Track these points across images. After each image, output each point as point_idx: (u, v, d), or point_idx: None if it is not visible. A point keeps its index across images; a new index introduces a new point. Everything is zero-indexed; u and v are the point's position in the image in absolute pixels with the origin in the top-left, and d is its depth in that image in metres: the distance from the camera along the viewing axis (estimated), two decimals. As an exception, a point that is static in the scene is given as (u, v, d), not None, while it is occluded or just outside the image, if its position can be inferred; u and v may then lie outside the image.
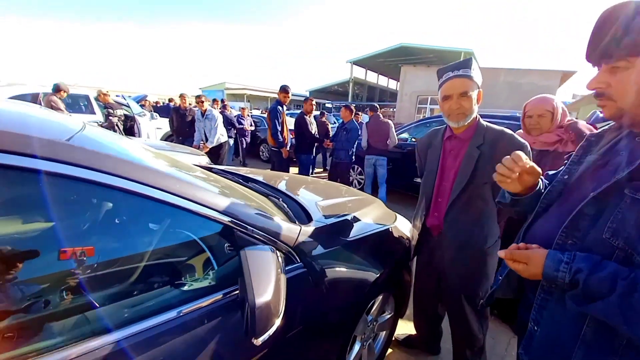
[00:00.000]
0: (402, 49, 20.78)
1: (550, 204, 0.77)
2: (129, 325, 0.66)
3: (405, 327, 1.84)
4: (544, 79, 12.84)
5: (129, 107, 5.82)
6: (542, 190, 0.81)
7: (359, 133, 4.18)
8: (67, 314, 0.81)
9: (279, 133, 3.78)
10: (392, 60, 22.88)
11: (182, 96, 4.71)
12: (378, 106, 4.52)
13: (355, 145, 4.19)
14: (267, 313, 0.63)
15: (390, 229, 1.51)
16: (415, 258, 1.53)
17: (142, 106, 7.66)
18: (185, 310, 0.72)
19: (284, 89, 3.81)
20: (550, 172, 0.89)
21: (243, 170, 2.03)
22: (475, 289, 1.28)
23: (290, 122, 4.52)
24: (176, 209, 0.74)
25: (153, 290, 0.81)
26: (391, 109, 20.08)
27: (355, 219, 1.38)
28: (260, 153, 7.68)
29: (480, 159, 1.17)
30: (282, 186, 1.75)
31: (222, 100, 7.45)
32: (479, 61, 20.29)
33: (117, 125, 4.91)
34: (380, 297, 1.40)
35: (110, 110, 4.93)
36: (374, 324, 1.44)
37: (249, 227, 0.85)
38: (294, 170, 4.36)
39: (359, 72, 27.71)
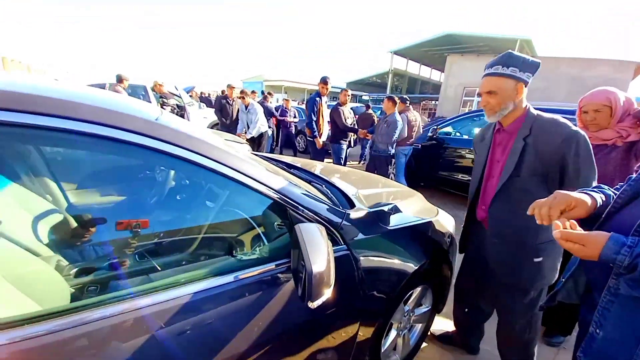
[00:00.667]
0: (448, 37, 19.48)
1: (624, 204, 0.72)
2: (198, 282, 0.77)
3: (444, 325, 1.80)
4: (615, 71, 11.20)
5: (180, 97, 6.29)
6: (601, 206, 0.75)
7: (400, 126, 4.05)
8: (150, 270, 0.95)
9: (313, 123, 3.86)
10: (437, 50, 21.59)
11: (229, 87, 4.98)
12: (408, 98, 4.43)
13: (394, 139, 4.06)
14: (321, 281, 0.68)
15: (431, 222, 1.48)
16: (459, 252, 1.49)
17: (190, 96, 8.22)
18: (243, 276, 0.80)
19: (324, 80, 3.85)
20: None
21: (285, 158, 2.12)
22: (525, 286, 1.22)
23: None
24: (241, 186, 0.81)
25: (215, 258, 0.92)
26: (433, 102, 19.08)
27: (397, 209, 1.38)
28: (297, 144, 7.85)
29: (526, 151, 1.13)
30: (322, 174, 1.79)
31: (262, 92, 7.63)
32: (540, 51, 18.31)
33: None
34: (418, 289, 1.40)
35: (165, 100, 5.38)
36: (411, 314, 1.44)
37: (299, 206, 0.90)
38: (329, 161, 4.41)
39: (400, 63, 26.60)
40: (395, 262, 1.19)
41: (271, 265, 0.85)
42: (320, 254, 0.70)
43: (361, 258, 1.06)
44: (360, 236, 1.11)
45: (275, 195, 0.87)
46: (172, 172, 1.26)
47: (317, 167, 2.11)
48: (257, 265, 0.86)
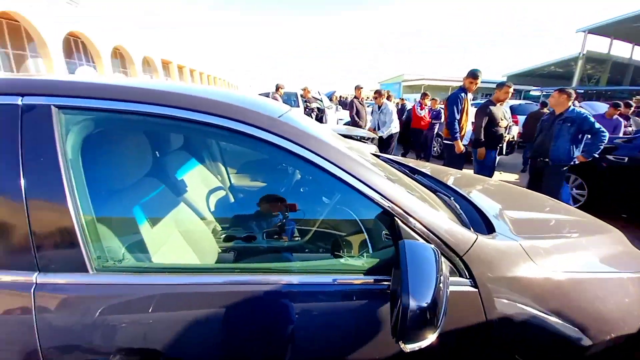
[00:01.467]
0: None
1: None
2: (302, 274, 0.78)
3: None
4: None
5: (321, 101, 7.08)
6: None
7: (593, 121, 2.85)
8: (260, 250, 1.07)
9: (455, 122, 3.27)
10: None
11: (357, 88, 5.14)
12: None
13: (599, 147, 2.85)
14: (421, 320, 0.53)
15: (638, 278, 0.93)
16: None
17: (330, 100, 9.09)
18: (340, 281, 0.74)
19: (473, 74, 3.23)
20: None
21: (411, 162, 1.92)
22: None
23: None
24: (348, 187, 0.76)
25: (318, 253, 0.91)
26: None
27: (571, 248, 0.95)
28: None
29: None
30: (454, 184, 1.49)
31: (387, 92, 7.03)
32: None
33: (310, 115, 6.06)
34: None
35: (308, 104, 6.17)
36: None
37: (410, 218, 0.75)
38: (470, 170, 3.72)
39: (597, 45, 19.22)
40: (555, 325, 0.82)
41: (369, 279, 0.75)
42: (425, 284, 0.54)
43: (496, 301, 0.78)
44: (501, 273, 0.82)
45: (384, 202, 0.75)
46: (290, 166, 1.37)
47: (451, 175, 1.79)
48: (356, 274, 0.78)
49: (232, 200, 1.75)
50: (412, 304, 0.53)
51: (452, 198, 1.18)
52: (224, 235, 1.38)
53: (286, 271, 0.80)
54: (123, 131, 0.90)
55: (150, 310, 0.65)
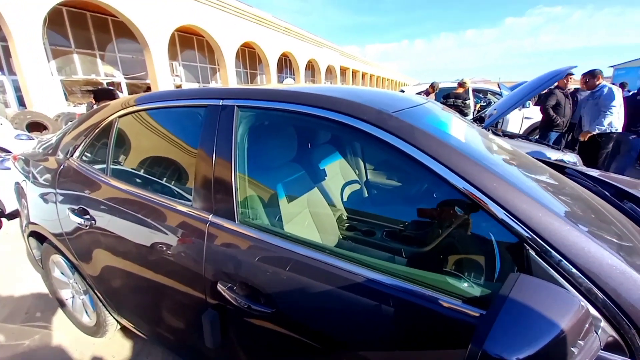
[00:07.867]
0: None
1: None
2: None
3: None
4: None
5: (501, 95, 5.77)
6: None
7: None
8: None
9: None
10: None
11: (568, 76, 3.74)
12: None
13: None
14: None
15: None
16: None
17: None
18: (443, 302, 0.64)
19: None
20: None
21: None
22: None
23: None
24: (464, 196, 0.65)
25: (431, 265, 0.82)
26: None
27: None
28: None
29: None
30: None
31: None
32: None
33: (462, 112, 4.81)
34: None
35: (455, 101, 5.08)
36: None
37: (553, 252, 0.52)
38: None
39: None
40: None
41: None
42: (534, 335, 0.37)
43: None
44: None
45: (515, 225, 0.57)
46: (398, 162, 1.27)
47: None
48: (468, 303, 0.64)
49: (364, 194, 1.83)
50: (491, 349, 0.38)
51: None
52: (347, 225, 1.49)
53: (395, 274, 0.70)
54: (274, 124, 1.16)
55: (266, 262, 0.80)
